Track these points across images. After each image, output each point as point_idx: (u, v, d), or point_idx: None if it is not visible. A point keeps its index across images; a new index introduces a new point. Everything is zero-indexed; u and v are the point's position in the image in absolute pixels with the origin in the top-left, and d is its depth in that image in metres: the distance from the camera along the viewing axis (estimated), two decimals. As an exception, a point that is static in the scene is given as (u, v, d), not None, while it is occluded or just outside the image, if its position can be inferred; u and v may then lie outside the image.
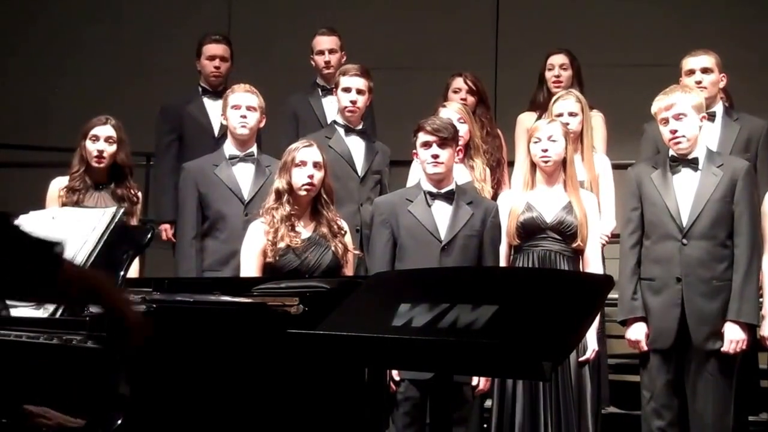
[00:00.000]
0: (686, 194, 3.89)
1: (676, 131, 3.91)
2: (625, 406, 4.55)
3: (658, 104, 3.98)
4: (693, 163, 3.94)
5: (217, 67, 5.10)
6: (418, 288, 2.24)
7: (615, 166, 4.68)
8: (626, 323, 3.95)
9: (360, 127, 4.61)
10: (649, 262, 3.93)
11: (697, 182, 3.90)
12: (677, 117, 3.92)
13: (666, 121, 3.94)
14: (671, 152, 3.97)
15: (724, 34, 6.00)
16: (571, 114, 4.43)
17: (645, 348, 3.87)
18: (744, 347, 3.82)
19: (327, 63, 5.17)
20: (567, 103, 4.47)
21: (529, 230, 3.91)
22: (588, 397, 3.82)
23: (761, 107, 4.84)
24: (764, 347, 3.95)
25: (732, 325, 3.78)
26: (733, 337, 3.77)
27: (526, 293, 2.08)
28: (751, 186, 3.93)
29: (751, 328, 3.84)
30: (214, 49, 5.14)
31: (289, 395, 2.35)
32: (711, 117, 4.41)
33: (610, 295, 4.75)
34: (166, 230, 4.81)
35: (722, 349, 3.78)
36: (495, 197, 4.44)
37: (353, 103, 4.52)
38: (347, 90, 4.53)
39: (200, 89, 5.07)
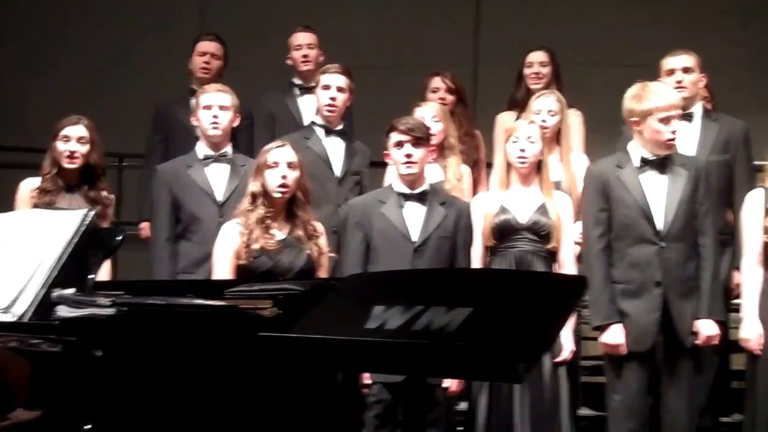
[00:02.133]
0: (657, 195, 3.82)
1: (675, 132, 3.82)
2: (598, 408, 4.54)
3: (661, 102, 3.79)
4: (662, 165, 3.85)
5: (206, 63, 5.08)
6: (392, 290, 2.23)
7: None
8: (601, 328, 3.81)
9: (339, 127, 4.58)
10: (624, 265, 3.81)
11: (666, 183, 3.84)
12: (679, 118, 3.85)
13: (668, 120, 3.78)
14: (644, 153, 3.85)
15: (703, 33, 6.01)
16: (550, 112, 4.43)
17: (625, 352, 3.77)
18: (717, 342, 3.85)
19: (305, 57, 5.14)
20: (547, 101, 4.47)
21: (504, 231, 3.91)
22: (564, 399, 3.82)
23: (738, 107, 4.85)
24: (740, 349, 3.95)
25: (705, 322, 3.78)
26: (709, 333, 3.77)
27: (500, 295, 2.07)
28: (711, 184, 3.92)
29: (721, 325, 3.85)
30: (205, 45, 5.13)
31: (263, 398, 2.33)
32: (689, 117, 4.42)
33: (585, 297, 4.80)
34: (145, 228, 4.78)
35: (698, 343, 3.78)
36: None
37: (333, 100, 4.48)
38: (327, 87, 4.50)
39: (189, 89, 5.01)
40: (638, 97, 3.82)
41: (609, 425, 3.87)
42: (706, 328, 3.78)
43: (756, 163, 4.40)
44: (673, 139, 3.81)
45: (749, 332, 3.79)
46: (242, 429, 2.32)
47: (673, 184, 3.82)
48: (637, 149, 3.86)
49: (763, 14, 6.54)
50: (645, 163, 3.84)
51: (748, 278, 3.86)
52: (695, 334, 3.79)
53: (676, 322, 3.77)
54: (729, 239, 4.25)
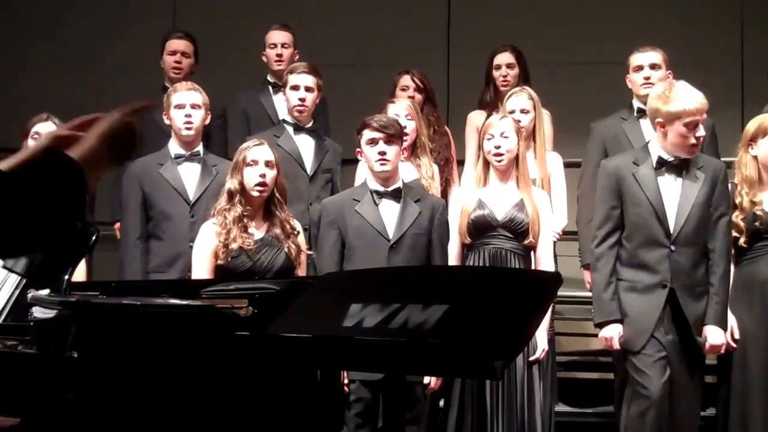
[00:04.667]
0: (671, 197, 3.74)
1: (701, 137, 3.70)
2: (574, 404, 4.58)
3: (690, 106, 3.66)
4: (680, 166, 3.74)
5: (178, 62, 5.05)
6: (369, 288, 2.23)
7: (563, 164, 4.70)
8: (601, 324, 3.81)
9: (309, 125, 4.58)
10: (632, 265, 3.76)
11: (682, 185, 3.74)
12: (704, 122, 3.71)
13: (695, 125, 3.65)
14: (663, 153, 3.74)
15: (668, 30, 6.06)
16: (523, 111, 4.44)
17: (617, 346, 3.77)
18: (722, 352, 3.80)
19: (279, 56, 5.13)
20: (519, 99, 4.48)
21: (481, 228, 3.92)
22: (536, 397, 3.83)
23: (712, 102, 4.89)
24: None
25: (714, 329, 3.73)
26: (716, 342, 3.72)
27: (476, 292, 2.08)
28: (726, 187, 3.83)
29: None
30: (175, 44, 5.10)
31: (240, 398, 2.32)
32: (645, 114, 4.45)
33: (569, 294, 4.84)
34: (119, 228, 4.75)
35: (706, 352, 3.74)
36: (443, 195, 4.45)
37: (302, 101, 4.49)
38: (296, 88, 4.50)
39: (162, 87, 4.98)
40: (665, 98, 3.69)
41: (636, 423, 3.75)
42: (715, 336, 3.72)
43: (724, 159, 4.44)
44: (697, 144, 3.70)
45: None
46: (221, 428, 2.31)
47: (689, 186, 3.73)
48: (656, 149, 3.76)
49: (724, 13, 6.61)
50: (662, 163, 3.74)
51: None
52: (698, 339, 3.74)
53: (692, 322, 3.71)
54: None
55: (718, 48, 6.49)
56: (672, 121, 3.66)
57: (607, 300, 3.76)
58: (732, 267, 3.86)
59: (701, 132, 3.68)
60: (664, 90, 3.72)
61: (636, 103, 4.53)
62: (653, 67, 4.49)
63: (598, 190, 3.88)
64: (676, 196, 3.74)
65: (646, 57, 4.50)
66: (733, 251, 3.86)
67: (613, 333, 3.76)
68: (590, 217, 4.35)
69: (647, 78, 4.46)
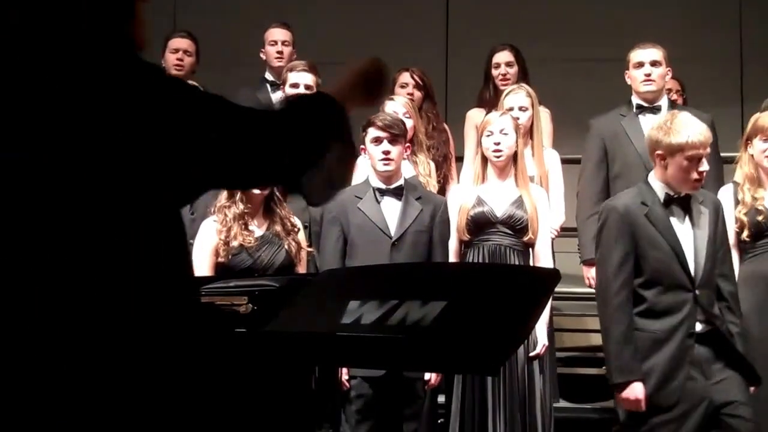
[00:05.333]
0: (685, 238, 3.44)
1: (704, 173, 3.42)
2: (574, 399, 4.59)
3: (694, 139, 3.38)
4: (684, 202, 3.47)
5: (179, 60, 5.08)
6: (368, 285, 2.24)
7: (561, 162, 4.71)
8: (619, 386, 3.38)
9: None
10: (654, 313, 3.40)
11: (690, 224, 3.46)
12: (708, 156, 3.44)
13: (698, 159, 3.38)
14: (667, 190, 3.45)
15: (668, 27, 6.07)
16: (521, 108, 4.45)
17: (644, 408, 3.36)
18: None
19: (279, 54, 5.15)
20: (518, 97, 4.49)
21: (480, 224, 3.93)
22: (537, 393, 3.84)
23: (706, 100, 4.90)
24: None
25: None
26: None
27: (474, 289, 2.09)
28: (723, 221, 3.59)
29: None
30: (177, 42, 5.14)
31: (238, 395, 2.33)
32: (656, 110, 4.46)
33: (568, 290, 4.86)
34: None
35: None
36: (441, 192, 4.46)
37: None
38: (295, 86, 4.52)
39: None
40: (666, 130, 3.43)
41: None
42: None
43: (723, 155, 4.46)
44: (700, 180, 3.42)
45: None
46: (219, 425, 2.32)
47: (698, 225, 3.46)
48: (658, 184, 3.47)
49: (723, 8, 6.62)
50: (669, 201, 3.46)
51: None
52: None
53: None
54: None
55: (717, 43, 6.50)
56: (673, 154, 3.40)
57: (627, 358, 3.35)
58: (738, 263, 3.86)
59: (705, 167, 3.40)
60: (666, 120, 3.48)
61: (635, 100, 4.54)
62: (654, 63, 4.49)
63: (608, 232, 3.45)
64: (689, 236, 3.45)
65: (647, 53, 4.50)
66: (737, 248, 3.87)
67: (638, 394, 3.35)
68: (588, 214, 4.38)
69: (648, 75, 4.47)
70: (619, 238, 3.43)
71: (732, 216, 3.84)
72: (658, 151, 3.46)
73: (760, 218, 3.85)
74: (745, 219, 3.86)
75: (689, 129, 3.40)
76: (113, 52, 1.58)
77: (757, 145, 3.90)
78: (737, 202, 3.89)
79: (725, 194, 3.93)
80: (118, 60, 1.57)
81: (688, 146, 3.38)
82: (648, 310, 3.41)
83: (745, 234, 3.86)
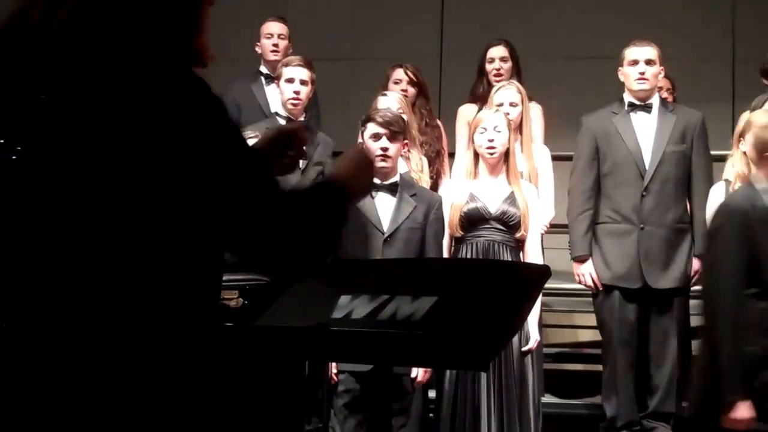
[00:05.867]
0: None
1: None
2: (561, 395, 4.61)
3: None
4: None
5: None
6: (357, 280, 2.24)
7: (553, 158, 4.72)
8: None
9: (302, 118, 4.59)
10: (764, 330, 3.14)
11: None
12: None
13: None
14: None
15: (661, 24, 6.08)
16: (511, 104, 4.46)
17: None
18: None
19: (275, 47, 5.16)
20: (508, 93, 4.50)
21: (473, 220, 3.95)
22: (530, 387, 3.86)
23: (697, 98, 4.92)
24: None
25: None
26: None
27: (465, 284, 2.09)
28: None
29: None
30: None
31: (231, 390, 2.34)
32: (648, 108, 4.47)
33: (557, 286, 4.87)
34: None
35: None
36: (433, 188, 4.47)
37: (296, 94, 4.50)
38: (290, 81, 4.51)
39: None
40: None
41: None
42: None
43: (714, 152, 4.47)
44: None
45: None
46: (212, 420, 2.32)
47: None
48: (764, 186, 3.23)
49: (715, 8, 6.64)
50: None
51: None
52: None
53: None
54: (687, 228, 4.32)
55: (709, 43, 6.52)
56: None
57: (739, 375, 3.09)
58: None
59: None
60: None
61: (627, 98, 4.53)
62: (648, 62, 4.47)
63: (725, 236, 3.16)
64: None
65: (642, 52, 4.49)
66: None
67: (746, 413, 3.09)
68: (579, 211, 4.40)
69: (642, 73, 4.45)
70: (738, 243, 3.14)
71: None
72: (767, 153, 3.23)
73: None
74: None
75: None
76: (169, 67, 1.54)
77: (750, 141, 3.90)
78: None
79: (717, 192, 3.94)
80: (167, 76, 1.53)
81: None
82: (758, 324, 3.12)
83: None
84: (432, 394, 4.06)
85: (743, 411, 3.06)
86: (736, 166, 3.94)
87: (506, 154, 4.02)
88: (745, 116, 4.00)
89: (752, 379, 3.09)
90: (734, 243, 3.11)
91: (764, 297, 3.11)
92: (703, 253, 3.29)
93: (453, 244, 4.04)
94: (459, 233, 3.97)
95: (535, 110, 4.84)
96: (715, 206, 3.83)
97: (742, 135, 3.90)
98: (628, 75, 4.50)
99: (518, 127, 4.46)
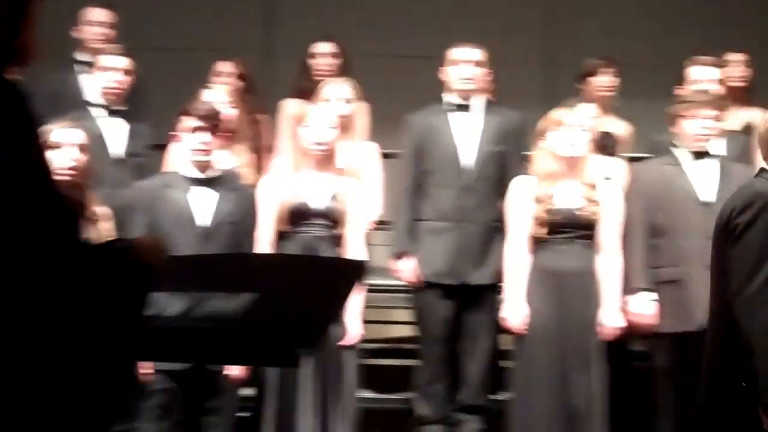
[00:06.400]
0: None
1: None
2: (377, 390, 4.66)
3: None
4: None
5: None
6: (175, 275, 2.19)
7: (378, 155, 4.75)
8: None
9: (121, 108, 4.46)
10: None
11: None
12: None
13: None
14: None
15: (486, 26, 6.23)
16: (340, 100, 4.47)
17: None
18: None
19: (99, 35, 4.93)
20: (337, 89, 4.51)
21: (297, 216, 3.94)
22: (350, 381, 3.89)
23: (516, 102, 5.05)
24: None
25: None
26: None
27: (283, 280, 2.08)
28: None
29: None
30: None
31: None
32: (471, 109, 4.53)
33: (379, 282, 4.90)
34: None
35: None
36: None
37: (114, 83, 4.39)
38: (108, 69, 4.39)
39: None
40: None
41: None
42: None
43: (524, 153, 4.60)
44: None
45: (513, 313, 4.01)
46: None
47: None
48: None
49: (531, 14, 6.88)
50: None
51: (512, 261, 4.07)
52: None
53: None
54: (501, 226, 4.45)
55: (525, 46, 6.74)
56: None
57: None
58: (528, 255, 4.05)
59: None
60: None
61: (451, 97, 4.60)
62: (471, 63, 4.54)
63: (763, 230, 2.90)
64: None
65: (466, 53, 4.55)
66: (530, 242, 4.05)
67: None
68: (402, 208, 4.47)
69: (465, 73, 4.52)
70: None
71: (524, 208, 4.05)
72: None
73: (554, 216, 4.02)
74: (544, 216, 4.02)
75: None
76: None
77: (552, 138, 4.06)
78: (536, 200, 4.05)
79: (519, 185, 4.12)
80: None
81: None
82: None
83: (543, 231, 4.02)
84: (248, 391, 4.03)
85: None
86: (537, 164, 4.10)
87: (332, 150, 4.02)
88: (550, 115, 4.15)
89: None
90: None
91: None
92: (733, 246, 2.92)
93: (278, 239, 4.01)
94: (282, 228, 3.95)
95: (361, 108, 4.86)
96: (516, 199, 4.00)
97: (543, 133, 4.09)
98: (451, 75, 4.58)
99: (346, 124, 4.48)
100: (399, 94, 5.91)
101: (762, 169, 3.00)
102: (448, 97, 4.61)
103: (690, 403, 3.97)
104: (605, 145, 4.62)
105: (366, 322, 4.12)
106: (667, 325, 4.06)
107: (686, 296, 4.02)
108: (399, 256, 4.45)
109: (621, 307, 4.06)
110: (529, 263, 4.04)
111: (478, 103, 4.59)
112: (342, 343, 3.88)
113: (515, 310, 4.01)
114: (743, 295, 2.87)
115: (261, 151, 4.77)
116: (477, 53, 4.57)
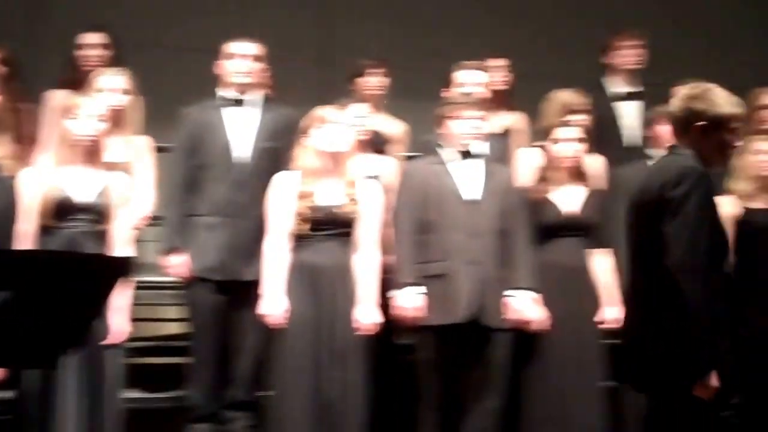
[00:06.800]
0: None
1: None
2: (147, 389, 4.61)
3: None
4: None
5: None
6: None
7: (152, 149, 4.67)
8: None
9: None
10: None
11: None
12: None
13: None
14: None
15: (263, 21, 6.26)
16: (115, 91, 4.38)
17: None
18: None
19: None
20: (112, 80, 4.41)
21: (60, 210, 3.81)
22: (114, 381, 3.81)
23: (292, 99, 5.09)
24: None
25: None
26: None
27: (41, 277, 2.02)
28: None
29: None
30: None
31: None
32: (246, 104, 4.55)
33: (148, 279, 4.81)
34: None
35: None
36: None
37: None
38: None
39: None
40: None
41: None
42: None
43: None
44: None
45: (272, 307, 4.04)
46: None
47: None
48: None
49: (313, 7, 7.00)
50: None
51: (271, 256, 4.11)
52: None
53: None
54: None
55: (305, 41, 6.82)
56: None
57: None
58: (287, 250, 4.10)
59: None
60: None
61: (225, 92, 4.59)
62: (248, 57, 4.54)
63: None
64: None
65: (242, 47, 4.54)
66: (291, 238, 4.11)
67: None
68: (171, 202, 4.44)
69: (241, 67, 4.51)
70: (710, 210, 3.10)
71: (284, 202, 4.13)
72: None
73: (314, 213, 4.09)
74: (307, 213, 4.08)
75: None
76: None
77: (315, 135, 4.16)
78: (299, 195, 4.12)
79: (279, 181, 4.21)
80: None
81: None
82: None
83: (305, 227, 4.09)
84: (9, 394, 3.87)
85: (713, 380, 3.04)
86: (300, 161, 4.18)
87: (100, 144, 3.92)
88: (314, 113, 4.24)
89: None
90: (706, 210, 3.04)
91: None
92: (671, 220, 3.03)
93: (40, 235, 3.86)
94: (45, 223, 3.81)
95: (136, 100, 4.76)
96: (276, 194, 4.07)
97: (306, 131, 4.18)
98: (227, 69, 4.58)
99: (119, 117, 4.37)
100: (174, 87, 5.83)
101: (673, 146, 3.19)
102: (223, 92, 4.61)
103: (454, 393, 4.21)
104: (376, 143, 4.76)
105: (136, 319, 4.06)
106: (433, 318, 4.23)
107: (451, 290, 4.21)
108: (170, 251, 4.40)
109: (382, 302, 4.17)
110: (289, 259, 4.09)
111: (255, 98, 4.60)
112: (106, 341, 3.78)
113: (274, 304, 4.04)
114: (686, 266, 2.96)
115: (23, 141, 4.58)
116: (254, 47, 4.59)
